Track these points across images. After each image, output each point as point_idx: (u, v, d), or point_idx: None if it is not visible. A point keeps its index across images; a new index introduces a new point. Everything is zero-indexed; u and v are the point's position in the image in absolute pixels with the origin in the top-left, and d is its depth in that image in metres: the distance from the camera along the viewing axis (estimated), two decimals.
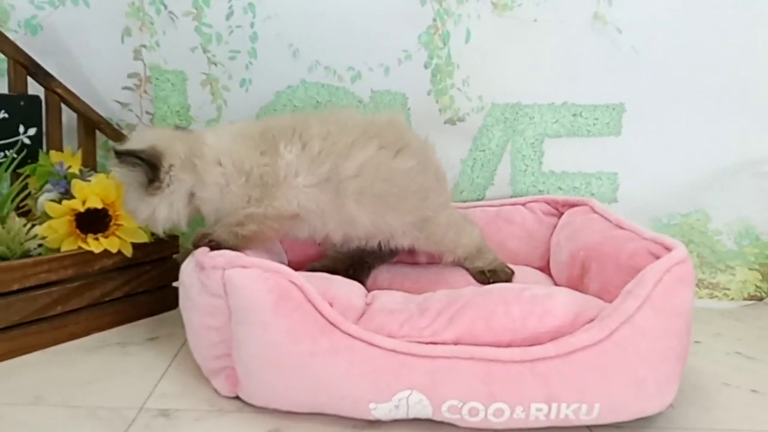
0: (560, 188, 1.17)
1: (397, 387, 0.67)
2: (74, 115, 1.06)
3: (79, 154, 1.03)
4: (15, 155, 0.95)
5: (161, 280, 1.01)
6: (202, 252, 0.76)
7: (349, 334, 0.68)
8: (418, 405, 0.67)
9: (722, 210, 1.17)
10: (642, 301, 0.66)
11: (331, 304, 0.71)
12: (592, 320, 0.72)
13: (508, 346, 0.70)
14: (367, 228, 0.87)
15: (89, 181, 0.92)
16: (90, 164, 1.07)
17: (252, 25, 1.08)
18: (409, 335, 0.72)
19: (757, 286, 1.18)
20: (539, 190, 1.17)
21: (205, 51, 1.10)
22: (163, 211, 0.83)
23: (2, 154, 0.96)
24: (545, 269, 1.03)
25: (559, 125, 1.16)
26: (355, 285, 0.84)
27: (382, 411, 0.68)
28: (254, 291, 0.69)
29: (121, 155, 0.81)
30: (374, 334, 0.69)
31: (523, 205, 1.09)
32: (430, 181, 0.90)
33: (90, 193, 0.89)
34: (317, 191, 0.83)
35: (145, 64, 1.11)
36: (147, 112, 1.13)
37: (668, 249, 0.72)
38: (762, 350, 0.94)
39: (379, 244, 0.91)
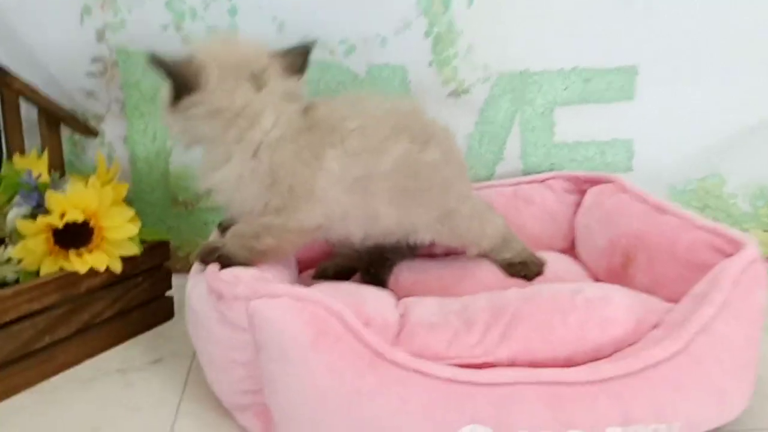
0: (574, 160, 1.10)
1: (459, 422, 0.60)
2: (33, 111, 0.92)
3: (45, 155, 0.90)
4: None
5: (153, 291, 0.90)
6: (215, 276, 0.66)
7: (398, 364, 0.61)
8: None
9: (737, 172, 1.12)
10: (719, 306, 0.61)
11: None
12: (656, 325, 0.66)
13: (569, 361, 0.64)
14: (391, 226, 0.78)
15: (64, 190, 0.80)
16: (56, 164, 0.94)
17: None
18: (460, 356, 0.65)
19: None
20: (551, 163, 1.09)
21: (178, 29, 0.97)
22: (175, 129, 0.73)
23: None
24: (568, 251, 0.97)
25: (569, 92, 1.08)
26: (384, 296, 0.76)
27: None
28: (288, 325, 0.60)
29: (153, 61, 0.68)
30: (425, 361, 0.61)
31: (541, 182, 1.02)
32: (454, 172, 0.82)
33: (68, 205, 0.77)
34: (346, 195, 0.73)
35: (109, 47, 0.97)
36: (116, 100, 1.00)
37: (734, 243, 0.67)
38: None
39: (397, 240, 0.83)
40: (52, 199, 0.77)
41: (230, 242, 0.72)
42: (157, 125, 1.01)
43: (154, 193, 1.05)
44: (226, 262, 0.70)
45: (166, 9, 0.95)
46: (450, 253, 0.92)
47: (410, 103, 0.83)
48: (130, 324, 0.87)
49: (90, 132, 0.97)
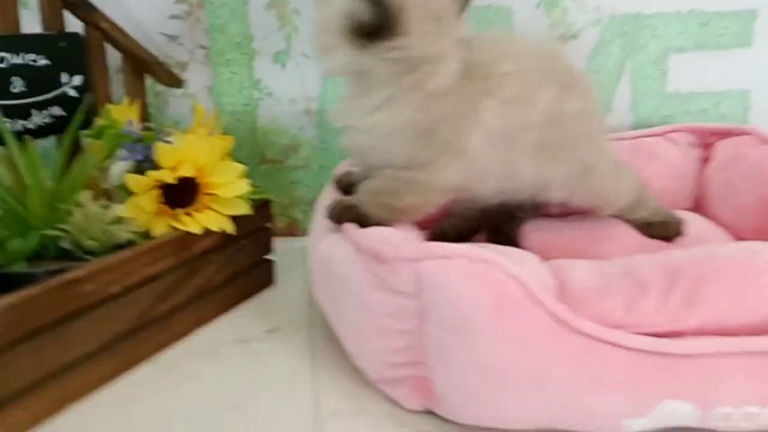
0: (687, 111, 1.02)
1: (658, 397, 0.54)
2: (115, 56, 0.84)
3: (136, 105, 0.82)
4: (62, 112, 0.75)
5: (257, 255, 0.84)
6: (367, 236, 0.60)
7: (586, 334, 0.54)
8: (681, 415, 0.55)
9: None
10: None
11: None
12: None
13: (760, 328, 0.58)
14: (526, 182, 0.71)
15: (170, 142, 0.73)
16: (141, 118, 0.87)
17: None
18: (640, 324, 0.59)
19: None
20: (664, 116, 1.02)
21: None
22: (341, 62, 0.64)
23: (46, 111, 0.75)
24: (694, 210, 0.90)
25: (684, 37, 1.00)
26: (530, 257, 0.69)
27: (637, 425, 0.55)
28: (466, 289, 0.53)
29: None
30: (615, 331, 0.55)
31: (661, 135, 0.94)
32: (595, 124, 0.75)
33: (183, 158, 0.70)
34: (493, 148, 0.66)
35: None
36: (201, 46, 0.92)
37: None
38: None
39: (524, 198, 0.76)
40: (163, 152, 0.70)
41: (366, 199, 0.65)
42: (244, 74, 0.93)
43: (241, 150, 0.97)
44: (364, 222, 0.64)
45: None
46: (569, 213, 0.85)
47: (551, 46, 0.75)
48: (236, 290, 0.81)
49: (174, 82, 0.89)
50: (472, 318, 0.54)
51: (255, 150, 0.97)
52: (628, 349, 0.54)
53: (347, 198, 0.67)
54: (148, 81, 0.89)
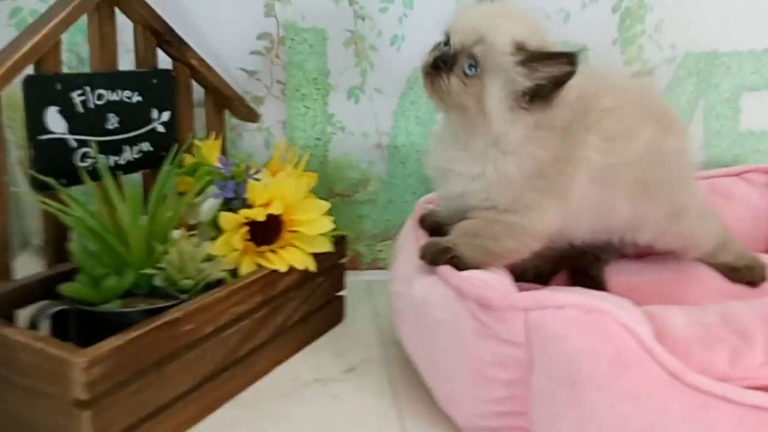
0: (758, 150, 1.01)
1: None
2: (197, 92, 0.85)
3: (218, 142, 0.82)
4: (150, 148, 0.75)
5: (332, 291, 0.83)
6: (472, 282, 0.59)
7: (700, 389, 0.53)
8: None
9: None
10: None
11: None
12: None
13: None
14: (620, 223, 0.70)
15: (259, 180, 0.73)
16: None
17: None
18: (747, 377, 0.57)
19: None
20: (736, 154, 1.01)
21: (351, 2, 0.89)
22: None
23: (137, 147, 0.75)
24: None
25: (758, 76, 0.99)
26: (626, 304, 0.67)
27: None
28: (583, 343, 0.52)
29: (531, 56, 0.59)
30: (729, 386, 0.53)
31: (737, 176, 0.93)
32: (688, 164, 0.74)
33: (273, 196, 0.70)
34: (594, 186, 0.65)
35: (278, 22, 0.89)
36: (278, 81, 0.92)
37: None
38: None
39: (614, 239, 0.75)
40: (255, 189, 0.70)
41: (462, 242, 0.64)
42: (318, 109, 0.94)
43: None
44: (459, 265, 0.63)
45: None
46: (646, 254, 0.84)
47: (646, 83, 0.74)
48: (310, 327, 0.80)
49: (252, 116, 0.90)
50: (587, 372, 0.52)
51: (324, 184, 0.97)
52: (742, 404, 0.52)
53: (442, 239, 0.66)
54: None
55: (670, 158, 0.69)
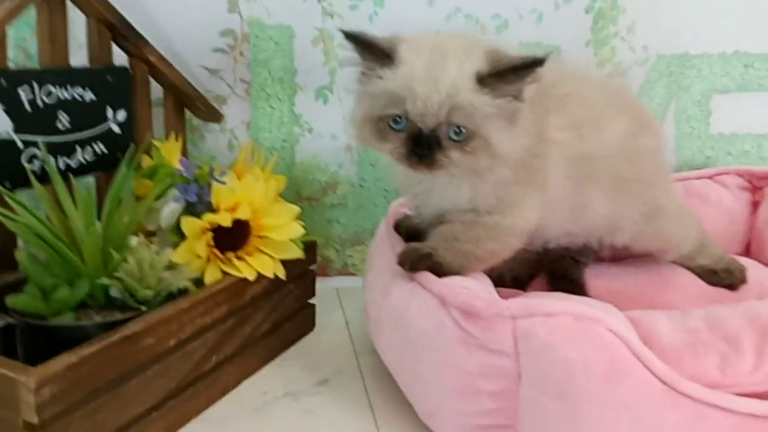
0: (729, 153, 1.01)
1: None
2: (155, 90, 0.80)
3: (179, 143, 0.77)
4: (104, 149, 0.70)
5: (302, 299, 0.79)
6: (450, 287, 0.56)
7: (693, 398, 0.51)
8: None
9: None
10: None
11: None
12: None
13: None
14: (597, 221, 0.69)
15: (224, 183, 0.69)
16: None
17: None
18: (739, 384, 0.55)
19: None
20: (707, 157, 1.00)
21: (319, 0, 0.85)
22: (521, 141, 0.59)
23: (90, 148, 0.70)
24: (744, 255, 0.88)
25: (728, 78, 0.99)
26: (614, 309, 0.65)
27: None
28: (574, 352, 0.50)
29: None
30: (723, 394, 0.51)
31: (710, 178, 0.92)
32: (665, 164, 0.72)
33: (240, 200, 0.66)
34: (566, 178, 0.63)
35: (242, 18, 0.85)
36: (242, 80, 0.88)
37: None
38: None
39: (591, 240, 0.73)
40: (220, 193, 0.66)
41: (442, 246, 0.61)
42: (285, 109, 0.90)
43: None
44: (440, 270, 0.60)
45: None
46: (623, 257, 0.82)
47: (620, 82, 0.73)
48: (280, 337, 0.76)
49: (214, 116, 0.85)
50: (581, 383, 0.50)
51: (291, 187, 0.93)
52: (736, 413, 0.51)
53: (421, 245, 0.63)
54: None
55: (646, 156, 0.68)
